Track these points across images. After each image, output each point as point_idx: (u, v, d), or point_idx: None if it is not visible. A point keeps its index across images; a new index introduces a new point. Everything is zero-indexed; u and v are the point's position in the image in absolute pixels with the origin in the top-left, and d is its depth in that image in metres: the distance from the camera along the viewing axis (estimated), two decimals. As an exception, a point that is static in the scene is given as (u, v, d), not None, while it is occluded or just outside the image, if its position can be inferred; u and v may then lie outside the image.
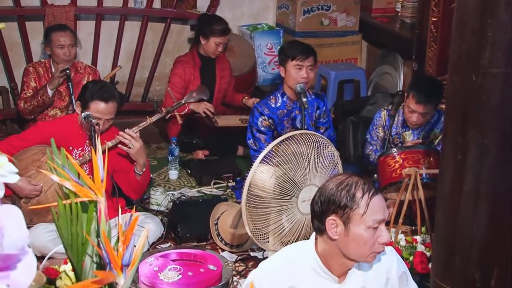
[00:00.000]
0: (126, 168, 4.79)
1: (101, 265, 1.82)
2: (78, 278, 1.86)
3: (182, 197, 5.50)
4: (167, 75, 6.51)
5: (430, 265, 3.72)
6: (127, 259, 1.69)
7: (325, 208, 2.57)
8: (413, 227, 4.65)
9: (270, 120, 5.28)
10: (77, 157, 4.67)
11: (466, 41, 2.40)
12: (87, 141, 4.72)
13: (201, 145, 6.34)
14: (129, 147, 4.68)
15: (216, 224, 4.86)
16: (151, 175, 5.79)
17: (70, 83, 5.58)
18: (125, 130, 4.72)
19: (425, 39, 5.74)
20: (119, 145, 4.69)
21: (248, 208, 4.01)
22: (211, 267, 3.48)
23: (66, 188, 1.79)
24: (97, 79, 5.87)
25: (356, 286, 2.69)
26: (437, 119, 5.12)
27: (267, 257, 3.65)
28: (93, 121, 4.52)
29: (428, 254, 4.14)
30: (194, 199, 5.52)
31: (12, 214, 1.42)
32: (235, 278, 4.31)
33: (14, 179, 1.49)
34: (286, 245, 3.55)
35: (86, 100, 4.62)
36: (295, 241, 3.83)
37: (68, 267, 3.62)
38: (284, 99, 5.32)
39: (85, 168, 4.61)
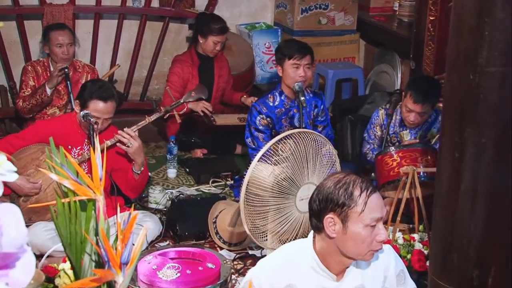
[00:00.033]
0: (124, 167, 4.79)
1: (99, 264, 1.82)
2: (77, 276, 1.87)
3: (181, 195, 5.50)
4: (166, 74, 6.51)
5: (427, 263, 3.73)
6: (126, 257, 1.69)
7: (323, 206, 2.58)
8: (411, 225, 4.65)
9: (268, 119, 5.29)
10: (76, 156, 4.67)
11: (463, 40, 2.41)
12: (86, 140, 4.72)
13: (199, 143, 6.34)
14: (128, 146, 4.68)
15: (215, 222, 4.87)
16: (150, 174, 5.81)
17: (68, 82, 5.58)
18: (124, 129, 4.72)
19: (423, 38, 5.75)
20: (118, 144, 4.70)
21: (246, 206, 4.02)
22: (210, 265, 3.49)
23: (65, 186, 1.79)
24: (96, 78, 5.88)
25: (354, 284, 2.69)
26: (434, 118, 5.12)
27: (265, 255, 3.65)
28: (91, 119, 4.53)
29: (425, 252, 4.15)
30: (193, 197, 5.52)
31: (11, 213, 1.43)
32: (233, 276, 4.31)
33: (13, 177, 1.50)
34: (284, 243, 3.55)
35: (85, 99, 4.62)
36: (293, 239, 3.83)
37: (67, 266, 3.62)
38: (282, 97, 5.32)
39: (84, 167, 4.61)
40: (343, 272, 2.68)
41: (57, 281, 3.63)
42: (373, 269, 2.73)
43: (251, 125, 5.31)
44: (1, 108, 6.60)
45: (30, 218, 4.53)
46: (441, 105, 4.76)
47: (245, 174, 4.07)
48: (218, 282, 3.42)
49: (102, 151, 1.83)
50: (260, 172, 4.03)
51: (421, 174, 4.49)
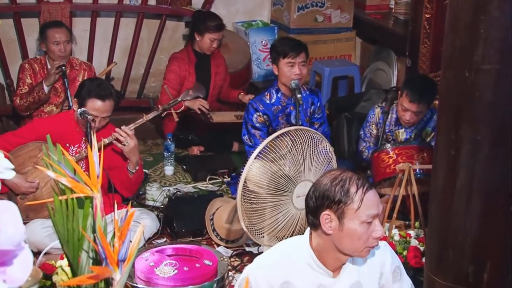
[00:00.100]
0: (119, 165, 4.79)
1: (97, 261, 1.83)
2: (74, 273, 1.87)
3: (178, 192, 5.51)
4: (163, 71, 6.52)
5: (423, 260, 3.73)
6: (123, 254, 1.69)
7: (319, 203, 2.58)
8: (407, 222, 4.66)
9: (265, 116, 5.29)
10: (73, 154, 4.67)
11: (459, 37, 2.42)
12: (84, 138, 4.72)
13: (196, 141, 6.35)
14: (124, 145, 4.69)
15: (212, 219, 4.88)
16: (147, 171, 5.82)
17: (65, 80, 5.58)
18: (122, 127, 4.73)
19: (419, 36, 5.76)
20: (114, 142, 4.70)
21: (243, 203, 4.03)
22: (207, 262, 3.49)
23: (62, 184, 1.80)
24: (93, 75, 5.88)
25: (350, 281, 2.70)
26: (430, 117, 5.13)
27: (262, 252, 3.66)
28: (88, 117, 4.53)
29: (421, 248, 4.15)
30: (190, 194, 5.53)
31: (9, 210, 1.43)
32: (230, 273, 4.32)
33: (10, 175, 1.51)
34: (281, 240, 3.56)
35: (83, 97, 4.62)
36: (290, 236, 3.84)
37: (64, 263, 3.62)
38: (279, 95, 5.33)
39: (81, 165, 4.62)
40: (340, 268, 2.69)
41: (55, 278, 3.63)
42: (369, 266, 2.74)
43: (248, 123, 5.32)
44: (-2, 106, 6.61)
45: (27, 215, 4.53)
46: (436, 102, 4.77)
47: (242, 172, 4.08)
48: (215, 279, 3.42)
49: (99, 149, 1.84)
50: (257, 169, 4.04)
51: (417, 171, 4.50)
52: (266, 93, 5.37)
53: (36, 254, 3.79)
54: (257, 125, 5.28)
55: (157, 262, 3.44)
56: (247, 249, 4.78)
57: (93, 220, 1.81)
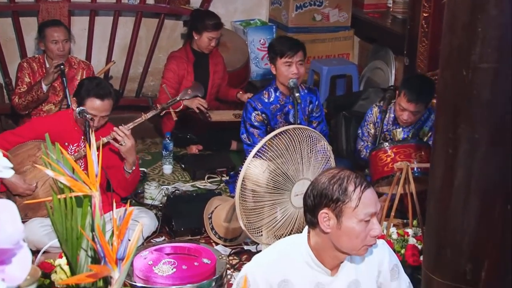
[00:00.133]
0: (116, 165, 4.79)
1: (95, 259, 1.83)
2: (73, 272, 1.88)
3: (176, 191, 5.52)
4: (161, 70, 6.52)
5: (421, 258, 3.74)
6: (122, 253, 1.70)
7: (317, 201, 2.59)
8: (405, 221, 4.67)
9: (263, 115, 5.29)
10: (72, 153, 4.67)
11: (457, 36, 2.42)
12: (83, 137, 4.71)
13: (195, 140, 6.35)
14: (121, 144, 4.69)
15: (210, 218, 4.88)
16: (146, 170, 5.82)
17: (64, 78, 5.59)
18: (120, 126, 4.73)
19: (417, 35, 5.75)
20: (111, 141, 4.70)
21: (241, 202, 4.03)
22: (205, 260, 3.50)
23: (61, 183, 1.80)
24: (91, 74, 5.88)
25: (348, 279, 2.71)
26: (427, 117, 5.12)
27: (260, 251, 3.66)
28: (87, 116, 4.53)
29: (419, 247, 4.16)
30: (188, 193, 5.53)
31: (7, 209, 1.43)
32: (229, 272, 4.32)
33: (8, 174, 1.51)
34: (279, 238, 3.56)
35: (82, 97, 4.62)
36: (288, 235, 3.84)
37: (63, 261, 3.62)
38: (277, 94, 5.33)
39: (80, 164, 4.62)
40: (338, 267, 2.70)
41: (53, 276, 3.63)
42: (367, 264, 2.74)
43: (246, 121, 5.32)
44: (-3, 105, 6.61)
45: (26, 214, 4.53)
46: (434, 101, 4.78)
47: (240, 170, 4.09)
48: (214, 277, 3.42)
49: (98, 148, 1.84)
50: (255, 168, 4.04)
51: (415, 169, 4.50)
52: (264, 91, 5.37)
53: (34, 252, 3.79)
54: (256, 123, 5.29)
55: (156, 261, 3.45)
56: (246, 247, 4.79)
57: (92, 219, 1.81)
